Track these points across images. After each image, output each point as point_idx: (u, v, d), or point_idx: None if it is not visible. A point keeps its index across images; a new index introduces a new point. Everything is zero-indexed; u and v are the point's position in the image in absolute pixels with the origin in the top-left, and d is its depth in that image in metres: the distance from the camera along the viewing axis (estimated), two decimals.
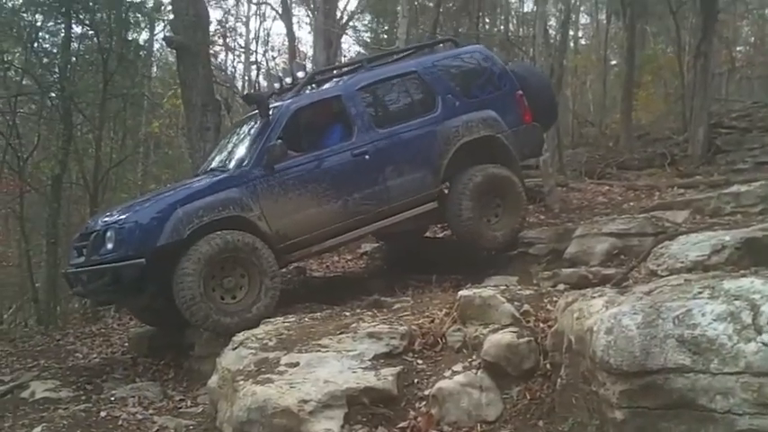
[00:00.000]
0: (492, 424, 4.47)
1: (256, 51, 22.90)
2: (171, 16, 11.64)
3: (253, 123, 7.26)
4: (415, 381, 4.83)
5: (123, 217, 6.38)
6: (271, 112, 6.97)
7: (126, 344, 8.01)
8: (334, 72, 8.69)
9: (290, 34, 19.00)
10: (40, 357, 7.60)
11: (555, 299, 5.11)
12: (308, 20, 22.82)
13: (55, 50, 13.13)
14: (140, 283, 6.25)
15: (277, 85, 8.03)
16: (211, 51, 15.69)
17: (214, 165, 7.41)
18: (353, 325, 5.48)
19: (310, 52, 21.05)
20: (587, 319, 3.91)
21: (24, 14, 12.46)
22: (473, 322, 5.12)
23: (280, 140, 6.69)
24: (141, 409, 5.88)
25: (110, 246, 6.22)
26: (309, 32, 24.27)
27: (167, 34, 11.31)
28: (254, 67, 22.80)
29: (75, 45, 13.09)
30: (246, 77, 23.46)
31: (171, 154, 18.77)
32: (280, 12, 19.83)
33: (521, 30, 22.74)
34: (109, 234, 6.26)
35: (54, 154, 12.31)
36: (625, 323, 3.58)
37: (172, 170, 17.46)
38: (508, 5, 22.94)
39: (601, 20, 24.18)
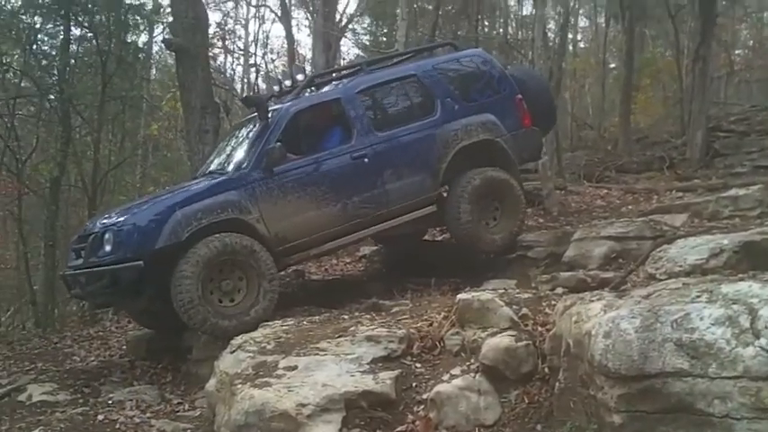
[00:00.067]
0: (490, 428, 4.47)
1: (255, 54, 22.92)
2: (170, 19, 11.64)
3: (252, 126, 7.26)
4: (414, 384, 4.83)
5: (121, 219, 6.38)
6: (270, 115, 6.97)
7: (124, 347, 8.00)
8: (334, 75, 8.69)
9: (290, 37, 19.05)
10: (37, 360, 7.57)
11: (553, 302, 5.10)
12: (307, 22, 22.85)
13: (54, 53, 13.12)
14: (138, 285, 6.24)
15: (276, 88, 8.02)
16: (210, 54, 15.69)
17: (213, 167, 7.41)
18: (352, 328, 5.47)
19: (309, 55, 21.06)
20: (585, 322, 3.91)
21: (23, 16, 12.45)
22: (471, 326, 5.12)
23: (279, 143, 6.69)
24: (139, 412, 5.87)
25: (108, 248, 6.21)
26: (309, 35, 24.30)
27: (166, 37, 11.32)
28: (253, 69, 22.83)
29: (74, 47, 13.08)
30: (245, 80, 23.47)
31: (170, 156, 18.78)
32: (279, 14, 19.87)
33: (520, 33, 22.77)
34: (107, 236, 6.25)
35: (52, 156, 12.32)
36: (623, 327, 3.57)
37: (170, 173, 17.46)
38: (507, 8, 22.95)
39: (600, 23, 24.22)
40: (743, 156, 12.61)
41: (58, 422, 5.65)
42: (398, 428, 4.51)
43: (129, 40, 13.75)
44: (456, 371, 4.83)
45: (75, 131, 12.83)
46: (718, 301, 3.49)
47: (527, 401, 4.52)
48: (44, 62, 12.79)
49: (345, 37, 21.36)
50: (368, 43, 23.70)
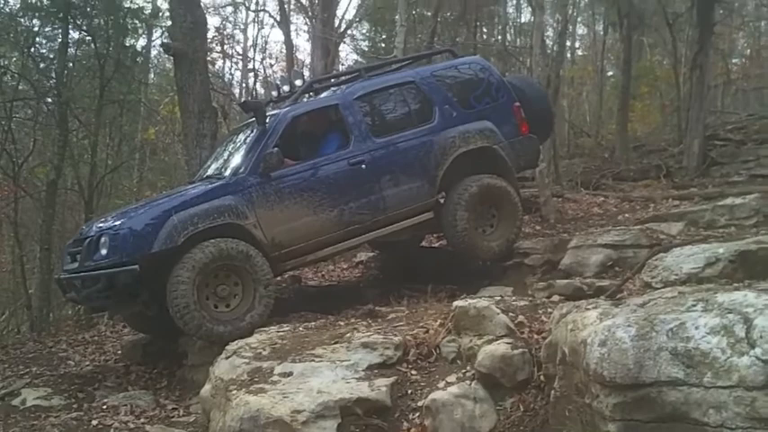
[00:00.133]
0: None
1: (254, 59, 22.95)
2: (169, 23, 11.65)
3: (249, 131, 7.26)
4: (409, 391, 4.83)
5: (118, 223, 6.36)
6: (268, 120, 6.97)
7: (119, 351, 7.98)
8: (332, 81, 8.70)
9: (288, 42, 19.05)
10: (31, 364, 7.55)
11: (549, 310, 5.12)
12: (306, 28, 22.89)
13: (52, 56, 13.11)
14: (134, 289, 6.23)
15: (274, 93, 8.03)
16: (209, 58, 15.69)
17: (210, 172, 7.40)
18: (348, 335, 5.47)
19: (308, 60, 21.11)
20: (581, 330, 3.91)
21: (22, 19, 12.45)
22: (467, 333, 5.12)
23: (276, 148, 6.69)
24: (133, 417, 5.86)
25: (104, 252, 6.19)
26: (307, 40, 24.27)
27: (165, 40, 11.30)
28: (251, 74, 22.84)
29: (72, 50, 13.04)
30: (244, 85, 23.49)
31: (167, 160, 18.74)
32: (278, 19, 19.85)
33: (518, 40, 22.77)
34: (103, 240, 6.24)
35: (49, 159, 12.28)
36: (619, 335, 3.58)
37: (168, 177, 17.42)
38: (506, 16, 22.99)
39: (598, 31, 24.28)
40: (739, 164, 12.64)
41: (51, 427, 5.63)
42: None
43: (127, 44, 13.75)
44: (452, 378, 4.84)
45: (72, 135, 12.79)
46: (714, 311, 3.49)
47: (522, 409, 4.52)
48: (42, 65, 12.77)
49: (344, 43, 21.43)
50: (366, 49, 23.72)
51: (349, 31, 21.87)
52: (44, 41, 13.24)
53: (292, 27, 21.30)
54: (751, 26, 23.95)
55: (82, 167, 12.74)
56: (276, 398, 4.58)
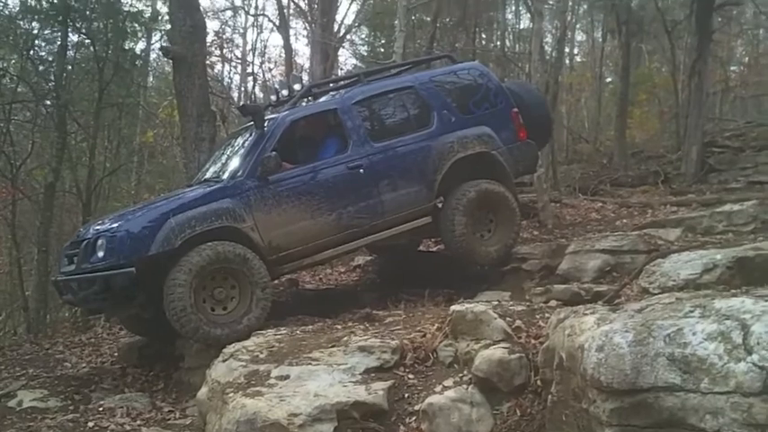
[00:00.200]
0: None
1: (253, 63, 22.96)
2: (168, 26, 11.67)
3: (248, 135, 7.26)
4: (406, 395, 4.82)
5: (115, 225, 6.36)
6: (266, 124, 6.97)
7: (116, 354, 7.97)
8: (331, 85, 8.71)
9: (287, 46, 19.07)
10: (28, 366, 7.54)
11: (547, 315, 5.11)
12: (305, 32, 22.93)
13: (51, 58, 13.11)
14: (130, 292, 6.22)
15: (273, 97, 8.04)
16: (208, 62, 15.72)
17: (208, 175, 7.40)
18: (345, 338, 5.47)
19: (307, 65, 21.14)
20: (579, 336, 3.90)
21: (21, 22, 12.44)
22: (465, 337, 5.12)
23: (274, 152, 6.70)
24: (129, 420, 5.85)
25: (101, 254, 6.19)
26: (307, 45, 24.34)
27: (164, 44, 11.32)
28: (250, 78, 22.86)
29: (71, 53, 13.06)
30: (243, 89, 23.53)
31: (165, 164, 18.72)
32: (277, 24, 19.88)
33: (517, 46, 22.84)
34: (100, 242, 6.23)
35: (47, 162, 12.28)
36: (616, 341, 3.57)
37: (166, 180, 17.41)
38: (505, 22, 23.05)
39: (596, 38, 24.35)
40: (737, 171, 12.67)
41: (48, 429, 5.62)
42: None
43: (126, 47, 13.74)
44: (449, 382, 4.83)
45: (70, 137, 12.80)
46: (711, 317, 3.49)
47: (519, 414, 4.52)
48: (41, 68, 12.77)
49: (343, 47, 21.51)
50: (366, 54, 23.77)
51: (348, 36, 21.95)
52: (43, 44, 13.25)
53: (291, 31, 21.39)
54: (749, 34, 24.05)
55: (80, 170, 12.73)
56: (273, 401, 4.57)
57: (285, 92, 7.80)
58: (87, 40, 12.63)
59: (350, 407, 4.54)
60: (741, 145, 13.69)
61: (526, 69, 16.62)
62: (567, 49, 23.29)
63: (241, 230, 6.44)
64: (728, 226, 7.46)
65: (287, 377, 4.90)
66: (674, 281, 5.53)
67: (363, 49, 24.57)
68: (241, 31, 24.69)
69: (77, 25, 12.36)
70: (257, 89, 21.93)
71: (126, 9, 13.29)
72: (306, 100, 7.92)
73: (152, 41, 17.72)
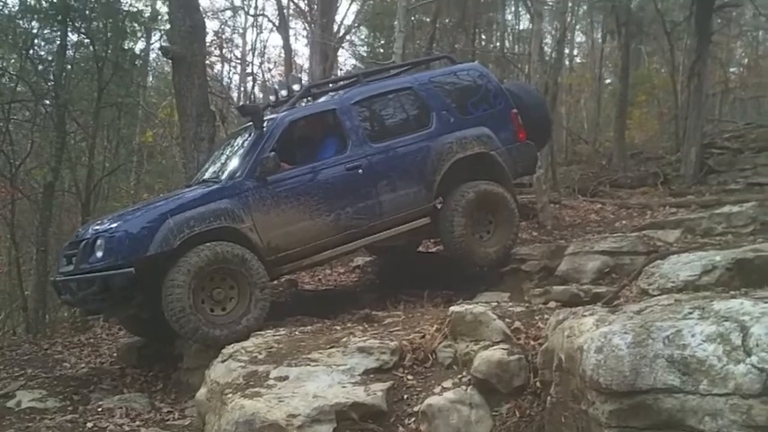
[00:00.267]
0: None
1: (252, 63, 22.94)
2: (167, 26, 11.67)
3: (247, 135, 7.26)
4: (405, 396, 4.82)
5: (114, 225, 6.35)
6: (265, 124, 6.97)
7: (115, 354, 7.97)
8: (330, 85, 8.71)
9: (287, 47, 19.07)
10: (27, 366, 7.54)
11: (546, 316, 5.11)
12: (304, 33, 22.93)
13: (50, 58, 13.10)
14: (129, 292, 6.21)
15: (272, 98, 8.04)
16: (208, 62, 15.70)
17: (207, 175, 7.39)
18: (344, 339, 5.47)
19: (307, 65, 21.15)
20: (578, 337, 3.90)
21: (20, 21, 12.43)
22: (464, 338, 5.12)
23: (273, 152, 6.70)
24: (128, 420, 5.84)
25: (99, 254, 6.18)
26: (306, 45, 24.37)
27: (163, 44, 11.31)
28: (249, 78, 22.83)
29: (70, 53, 13.04)
30: (242, 89, 23.50)
31: (164, 164, 18.72)
32: (276, 24, 19.87)
33: (516, 47, 22.85)
34: (99, 242, 6.23)
35: (47, 161, 12.27)
36: (615, 342, 3.57)
37: (165, 180, 17.41)
38: (504, 23, 23.06)
39: (596, 39, 24.37)
40: (736, 173, 12.69)
41: (46, 429, 5.62)
42: None
43: (125, 47, 13.73)
44: (448, 383, 4.83)
45: (69, 137, 12.78)
46: (710, 318, 3.49)
47: (518, 415, 4.52)
48: (40, 67, 12.74)
49: (343, 48, 21.50)
50: (365, 54, 23.77)
51: (348, 37, 21.96)
52: (43, 44, 13.24)
53: (291, 32, 21.38)
54: (749, 35, 24.06)
55: (79, 170, 12.72)
56: (272, 402, 4.57)
57: (284, 92, 7.80)
58: (87, 40, 12.61)
59: (349, 408, 4.53)
60: (740, 146, 13.70)
61: (525, 70, 16.63)
62: (566, 51, 23.32)
63: (240, 231, 6.44)
64: (728, 227, 7.46)
65: (286, 378, 4.89)
66: (673, 282, 5.53)
67: (363, 50, 24.60)
68: (241, 31, 24.70)
69: (77, 25, 12.35)
70: (257, 89, 21.93)
71: (125, 9, 13.29)
72: (305, 100, 7.92)
73: (151, 41, 17.72)
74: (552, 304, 6.07)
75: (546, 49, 17.54)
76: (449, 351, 5.14)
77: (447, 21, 19.68)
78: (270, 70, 23.22)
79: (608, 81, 23.08)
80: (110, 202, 14.62)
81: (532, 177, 9.93)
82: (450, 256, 7.80)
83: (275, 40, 26.96)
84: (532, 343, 4.85)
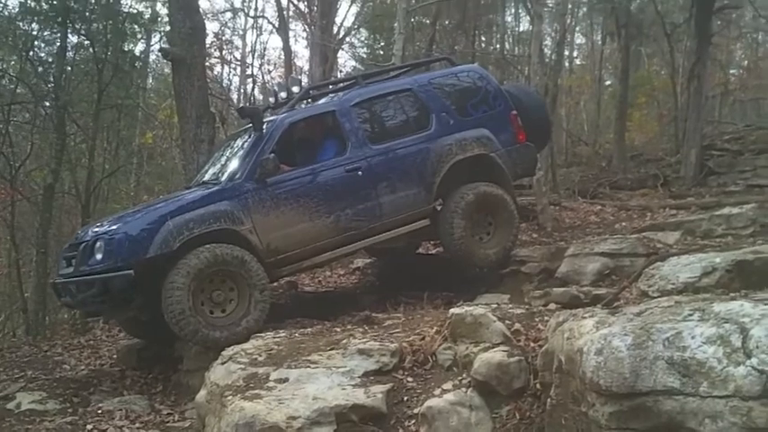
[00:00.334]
0: None
1: (252, 65, 22.95)
2: (167, 28, 11.68)
3: (246, 137, 7.25)
4: (405, 398, 4.81)
5: (113, 228, 6.34)
6: (265, 126, 6.97)
7: (114, 356, 7.96)
8: (330, 87, 8.70)
9: (287, 48, 19.07)
10: (27, 368, 7.52)
11: (546, 318, 5.10)
12: (304, 34, 22.95)
13: (50, 60, 13.12)
14: (128, 294, 6.21)
15: (272, 100, 8.03)
16: (207, 64, 15.71)
17: (207, 177, 7.39)
18: (344, 341, 5.46)
19: (306, 67, 21.15)
20: (578, 339, 3.90)
21: (20, 23, 12.45)
22: (464, 340, 5.11)
23: (273, 154, 6.69)
24: (128, 422, 5.84)
25: (99, 256, 6.18)
26: (306, 47, 24.39)
27: (163, 46, 11.32)
28: (249, 80, 22.84)
29: (70, 55, 13.07)
30: (242, 90, 23.52)
31: (164, 165, 18.76)
32: (276, 26, 19.87)
33: (516, 49, 22.85)
34: (98, 245, 6.22)
35: (46, 163, 12.29)
36: (615, 344, 3.57)
37: (165, 181, 17.44)
38: (504, 24, 23.08)
39: (596, 41, 24.38)
40: (736, 174, 12.69)
41: (46, 431, 5.60)
42: None
43: (125, 49, 13.78)
44: (448, 385, 4.82)
45: (69, 139, 12.81)
46: (710, 320, 3.49)
47: (518, 417, 4.51)
48: (40, 69, 12.76)
49: (342, 49, 21.50)
50: (365, 56, 23.78)
51: (347, 38, 21.98)
52: (43, 45, 13.26)
53: (291, 33, 21.40)
54: (749, 37, 24.08)
55: (79, 171, 12.74)
56: (272, 404, 4.56)
57: (283, 94, 7.79)
58: (87, 42, 12.63)
59: (348, 410, 4.53)
60: (740, 148, 13.70)
61: (525, 72, 16.62)
62: (566, 52, 23.35)
63: (239, 233, 6.43)
64: (728, 229, 7.46)
65: (286, 380, 4.88)
66: (673, 284, 5.54)
67: (363, 52, 24.60)
68: (240, 32, 24.74)
69: (77, 26, 12.37)
70: (256, 91, 21.94)
71: (125, 10, 13.36)
72: (304, 102, 7.91)
73: (151, 43, 17.78)
74: (552, 306, 6.07)
75: (546, 50, 17.56)
76: (449, 353, 5.14)
77: (447, 22, 19.70)
78: (270, 72, 23.28)
79: (608, 83, 23.10)
80: (110, 204, 14.64)
81: (532, 179, 9.93)
82: (450, 257, 7.80)
83: (275, 41, 27.10)
84: (532, 345, 4.85)
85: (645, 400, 3.39)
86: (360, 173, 7.05)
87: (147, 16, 14.44)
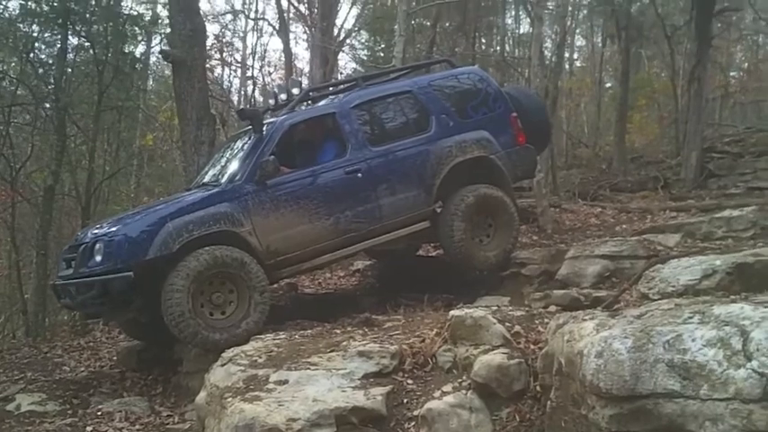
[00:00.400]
0: None
1: (253, 67, 22.96)
2: (168, 30, 11.67)
3: (246, 139, 7.25)
4: (405, 401, 4.81)
5: (113, 229, 6.34)
6: (265, 128, 6.97)
7: (114, 358, 7.95)
8: (330, 89, 8.70)
9: (287, 50, 19.05)
10: (26, 370, 7.53)
11: (546, 320, 5.10)
12: (305, 36, 22.93)
13: (51, 61, 13.13)
14: (128, 296, 6.20)
15: (272, 101, 8.03)
16: (208, 65, 15.72)
17: (207, 179, 7.38)
18: (344, 343, 5.46)
19: (307, 69, 21.14)
20: (578, 341, 3.90)
21: (21, 25, 12.46)
22: (464, 342, 5.11)
23: (272, 156, 6.69)
24: (128, 424, 5.84)
25: (98, 258, 6.17)
26: (306, 49, 24.37)
27: (164, 48, 11.34)
28: (249, 82, 22.86)
29: (71, 56, 13.08)
30: (242, 92, 23.53)
31: (165, 167, 18.75)
32: (277, 28, 19.86)
33: (517, 51, 22.86)
34: (98, 246, 6.21)
35: (47, 165, 12.29)
36: (615, 347, 3.57)
37: (165, 183, 17.44)
38: (504, 27, 23.09)
39: (596, 43, 24.39)
40: (737, 177, 12.70)
41: None
42: None
43: (126, 51, 13.77)
44: (448, 388, 4.82)
45: (70, 140, 12.81)
46: (711, 323, 3.49)
47: (518, 419, 4.51)
48: (41, 70, 12.77)
49: (343, 51, 21.48)
50: (365, 58, 23.79)
51: (348, 41, 21.94)
52: (43, 47, 13.26)
53: (291, 35, 21.39)
54: (749, 40, 24.11)
55: (79, 173, 12.74)
56: (271, 406, 4.55)
57: (284, 96, 7.79)
58: (87, 44, 12.64)
59: (348, 412, 4.52)
60: (740, 150, 13.72)
61: (526, 74, 16.64)
62: (566, 54, 23.35)
63: (239, 235, 6.43)
64: (728, 232, 7.45)
65: (285, 382, 4.88)
66: (673, 287, 5.52)
67: (363, 54, 24.60)
68: (241, 34, 24.71)
69: (77, 28, 12.38)
70: (257, 93, 21.96)
71: (126, 12, 13.37)
72: (304, 104, 7.91)
73: (152, 45, 17.78)
74: (552, 308, 6.07)
75: (546, 53, 17.55)
76: (449, 355, 5.14)
77: (447, 25, 19.72)
78: (270, 74, 23.28)
79: (608, 85, 23.13)
80: (110, 206, 14.63)
81: (532, 181, 9.93)
82: (450, 260, 7.79)
83: (275, 43, 27.09)
84: (532, 347, 4.84)
85: (645, 402, 3.39)
86: (359, 175, 7.05)
87: (147, 18, 14.49)
